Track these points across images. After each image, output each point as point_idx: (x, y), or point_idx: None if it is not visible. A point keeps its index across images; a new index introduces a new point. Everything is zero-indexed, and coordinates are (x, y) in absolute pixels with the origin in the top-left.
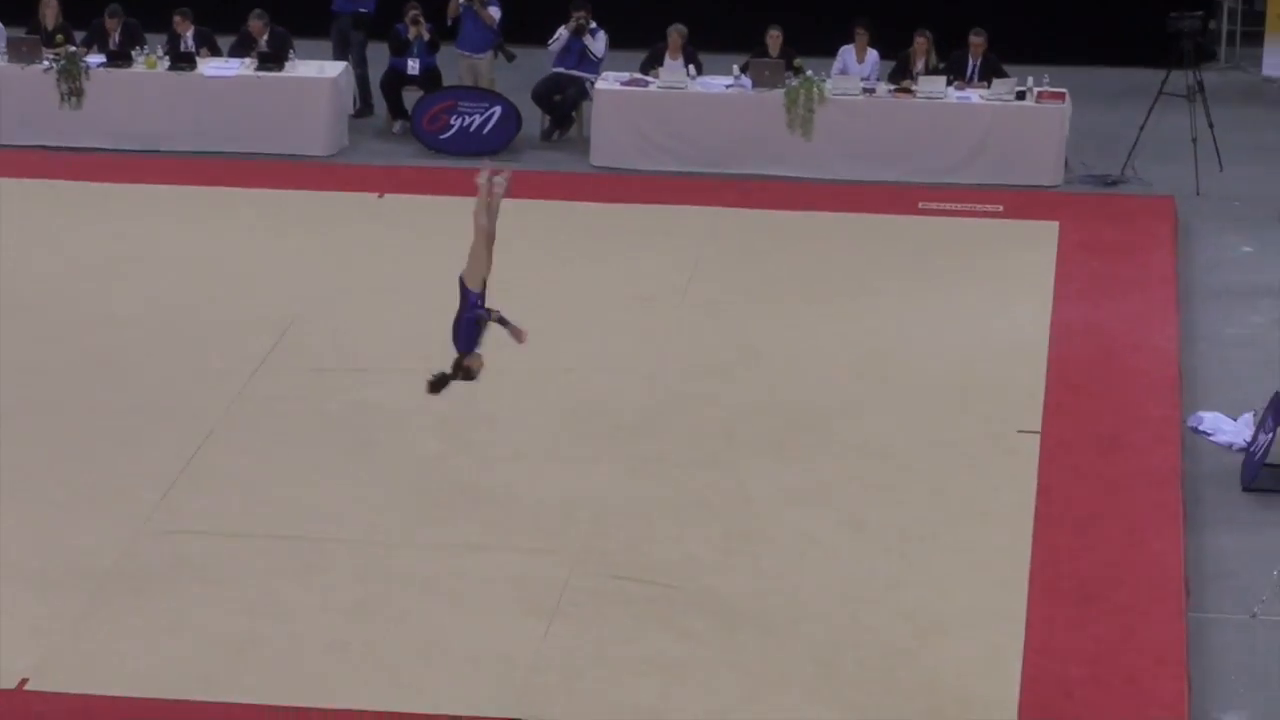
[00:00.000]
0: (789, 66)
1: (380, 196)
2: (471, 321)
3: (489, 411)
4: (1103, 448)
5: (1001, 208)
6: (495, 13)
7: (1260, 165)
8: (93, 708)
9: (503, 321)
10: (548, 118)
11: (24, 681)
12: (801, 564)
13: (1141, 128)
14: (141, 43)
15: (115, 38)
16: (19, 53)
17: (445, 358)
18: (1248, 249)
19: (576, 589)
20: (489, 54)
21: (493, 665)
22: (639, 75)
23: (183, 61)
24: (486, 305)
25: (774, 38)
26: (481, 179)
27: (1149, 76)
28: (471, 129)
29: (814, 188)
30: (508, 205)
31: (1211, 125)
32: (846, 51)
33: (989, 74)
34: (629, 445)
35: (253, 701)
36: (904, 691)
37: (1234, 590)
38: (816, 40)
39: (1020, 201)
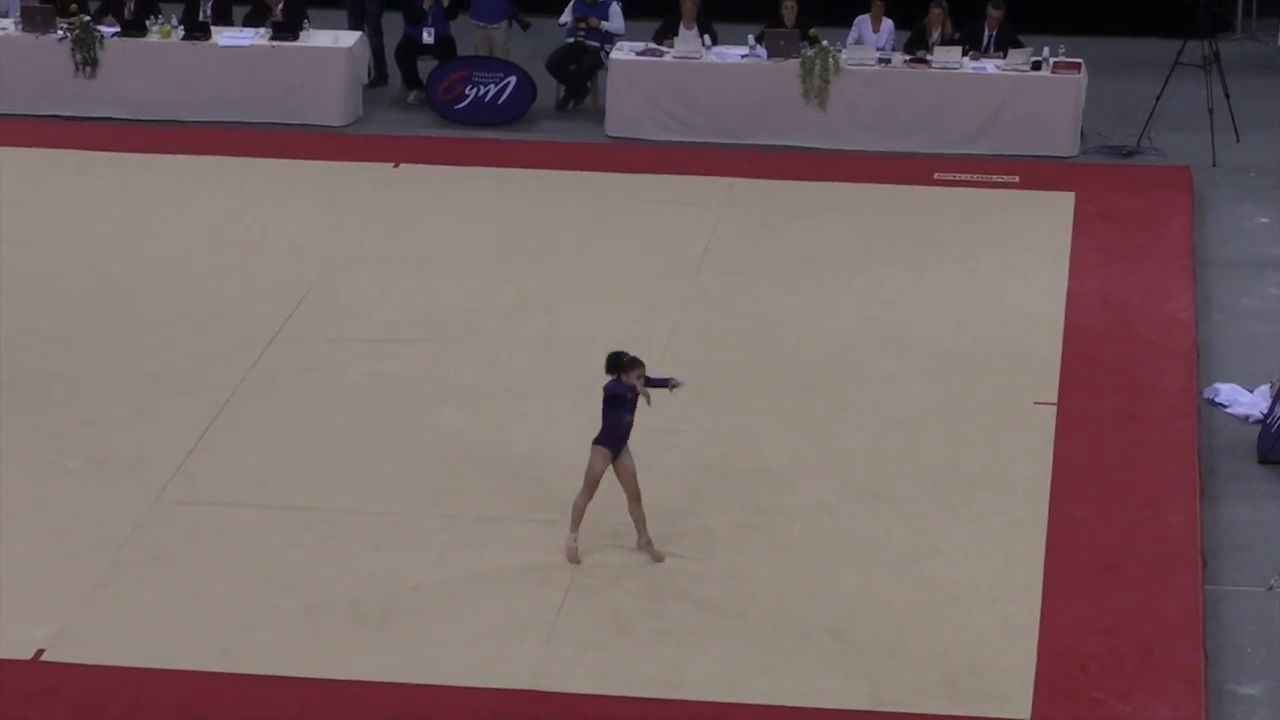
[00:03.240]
0: (804, 36)
1: (396, 166)
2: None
3: (504, 382)
4: (1119, 419)
5: (1017, 178)
6: None
7: (1276, 136)
8: (108, 678)
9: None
10: (563, 87)
11: (40, 652)
12: (817, 535)
13: (1158, 98)
14: (156, 12)
15: (130, 7)
16: (33, 22)
17: (457, 327)
18: (1264, 220)
19: (592, 561)
20: (504, 23)
21: (509, 637)
22: (653, 45)
23: (197, 31)
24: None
25: (789, 7)
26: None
27: (1165, 47)
28: (486, 99)
29: (829, 158)
30: (524, 175)
31: (1228, 96)
32: (862, 21)
33: (1004, 44)
34: (644, 416)
35: (268, 673)
36: (919, 663)
37: (1250, 562)
38: (832, 10)
39: (1036, 172)
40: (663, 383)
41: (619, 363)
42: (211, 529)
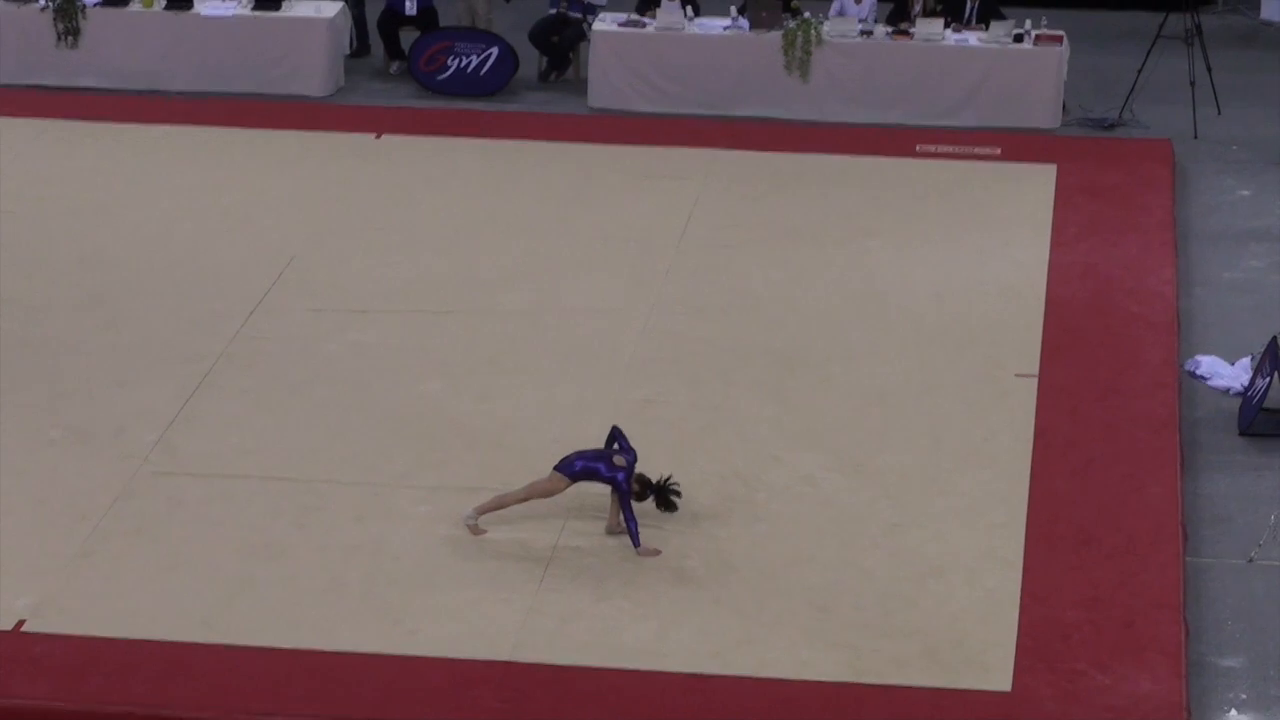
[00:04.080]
0: (786, 8)
1: (378, 137)
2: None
3: (486, 354)
4: (1100, 392)
5: (999, 150)
6: None
7: (1258, 109)
8: (90, 649)
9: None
10: (545, 59)
11: (21, 623)
12: (798, 507)
13: (1139, 71)
14: None
15: None
16: None
17: (439, 298)
18: (1245, 193)
19: (574, 531)
20: None
21: (490, 608)
22: (636, 16)
23: (179, 1)
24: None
25: None
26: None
27: (1147, 19)
28: (469, 70)
29: (811, 130)
30: (506, 146)
31: (1210, 69)
32: None
33: (986, 16)
34: (626, 388)
35: (249, 643)
36: (900, 635)
37: (1231, 535)
38: None
39: (1017, 144)
40: (634, 533)
41: (651, 489)
42: (192, 500)
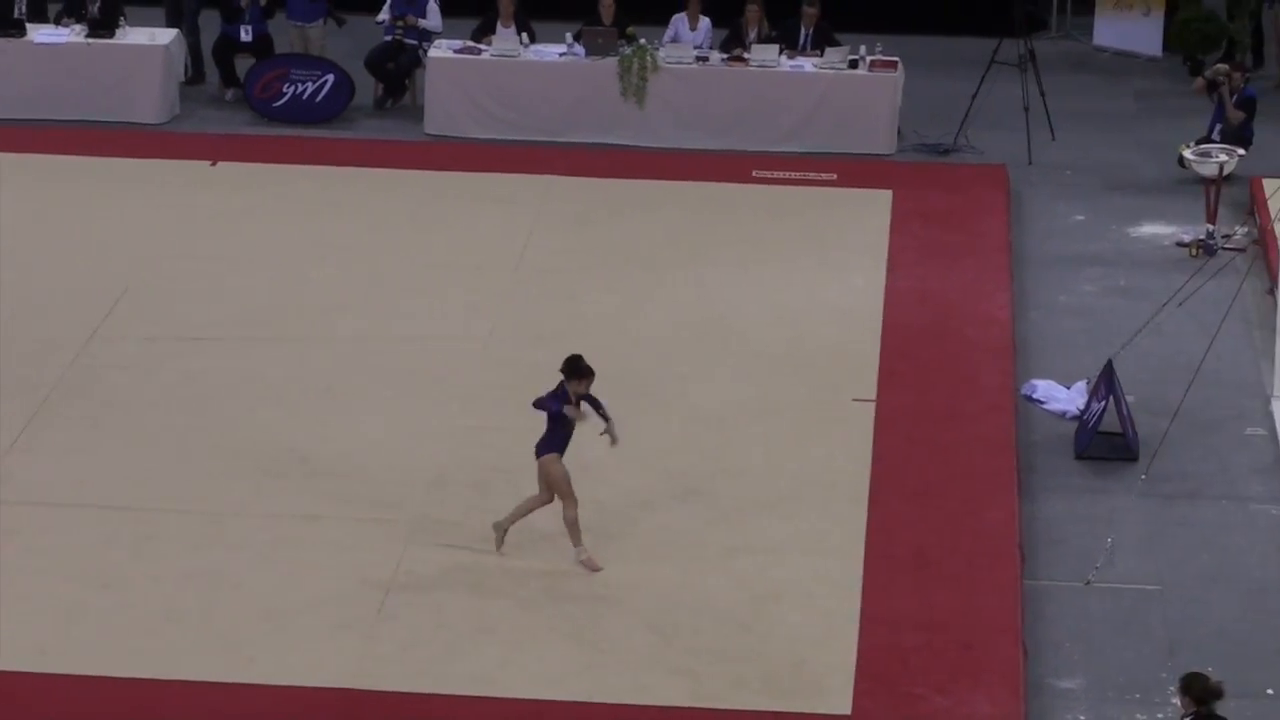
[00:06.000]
0: (622, 34)
1: (213, 164)
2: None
3: (322, 381)
4: (937, 416)
5: (835, 176)
6: None
7: (1091, 134)
8: None
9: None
10: (381, 85)
11: None
12: (635, 531)
13: (974, 96)
14: None
15: None
16: None
17: (275, 325)
18: (1080, 218)
19: (413, 558)
20: (320, 22)
21: (329, 635)
22: (471, 43)
23: (12, 28)
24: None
25: (607, 6)
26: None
27: (981, 45)
28: (304, 97)
29: (647, 156)
30: (342, 173)
31: (1043, 94)
32: (679, 19)
33: (821, 42)
34: (461, 414)
35: (85, 673)
36: (740, 659)
37: (1068, 557)
38: (649, 8)
39: (853, 170)
40: (604, 418)
41: (576, 368)
42: (28, 529)
